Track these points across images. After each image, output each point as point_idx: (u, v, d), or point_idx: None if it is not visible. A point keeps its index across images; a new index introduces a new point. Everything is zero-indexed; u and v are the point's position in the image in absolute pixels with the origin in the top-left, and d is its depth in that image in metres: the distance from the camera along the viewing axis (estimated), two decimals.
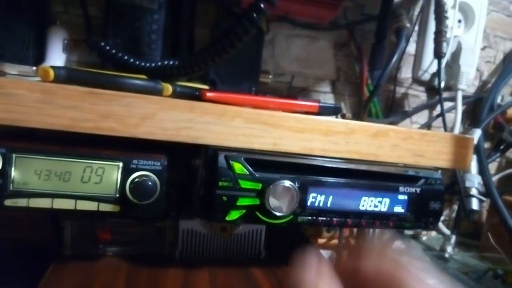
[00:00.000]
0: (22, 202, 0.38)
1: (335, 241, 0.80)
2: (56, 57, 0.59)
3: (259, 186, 0.40)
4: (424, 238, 0.82)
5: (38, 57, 0.58)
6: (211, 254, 0.52)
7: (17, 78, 0.46)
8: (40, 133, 0.40)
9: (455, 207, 0.86)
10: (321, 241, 0.80)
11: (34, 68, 0.47)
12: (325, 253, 0.79)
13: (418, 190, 0.45)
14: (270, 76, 0.70)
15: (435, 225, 0.47)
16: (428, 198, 0.46)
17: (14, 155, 0.37)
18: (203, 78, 0.63)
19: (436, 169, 0.48)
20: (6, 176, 0.37)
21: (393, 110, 0.81)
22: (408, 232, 0.81)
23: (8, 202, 0.38)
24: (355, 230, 0.81)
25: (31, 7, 0.57)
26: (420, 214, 0.46)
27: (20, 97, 0.35)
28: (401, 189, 0.45)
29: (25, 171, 0.38)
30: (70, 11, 0.63)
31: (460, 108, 0.76)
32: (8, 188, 0.37)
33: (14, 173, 0.37)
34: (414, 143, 0.45)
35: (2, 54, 0.52)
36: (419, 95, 0.83)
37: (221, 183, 0.39)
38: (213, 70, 0.62)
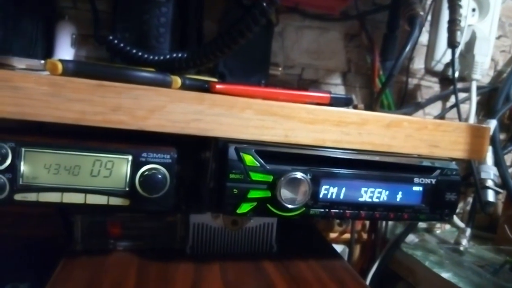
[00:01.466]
0: (31, 197, 0.38)
1: (347, 235, 0.79)
2: (65, 52, 0.59)
3: (270, 178, 0.39)
4: (438, 231, 0.81)
5: (47, 52, 0.57)
6: (222, 248, 0.52)
7: (26, 71, 0.46)
8: (49, 127, 0.40)
9: (470, 199, 0.84)
10: (332, 235, 0.79)
11: (42, 61, 0.47)
12: (338, 247, 0.78)
13: (433, 181, 0.44)
14: (280, 69, 0.69)
15: (450, 217, 0.46)
16: (444, 189, 0.45)
17: (23, 149, 0.37)
18: (212, 71, 0.62)
19: (452, 159, 0.47)
20: (15, 171, 0.37)
21: (406, 102, 0.80)
22: (422, 225, 0.80)
23: (18, 197, 0.37)
24: (367, 223, 0.80)
25: (39, 2, 0.57)
26: (436, 206, 0.45)
27: (28, 91, 0.35)
28: (416, 180, 0.44)
29: (34, 165, 0.37)
30: (78, 6, 0.63)
31: (474, 98, 0.74)
32: (18, 183, 0.37)
33: (23, 167, 0.37)
34: (429, 134, 0.44)
35: (11, 48, 0.52)
36: (432, 86, 0.82)
37: (231, 176, 0.39)
38: (222, 62, 0.61)
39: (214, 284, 0.44)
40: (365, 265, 0.80)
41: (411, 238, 0.74)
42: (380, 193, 0.43)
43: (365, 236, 0.80)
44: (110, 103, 0.36)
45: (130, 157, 0.40)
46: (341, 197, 0.42)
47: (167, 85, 0.42)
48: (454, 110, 0.77)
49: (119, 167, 0.39)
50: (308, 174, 0.40)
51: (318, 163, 0.41)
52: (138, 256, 0.49)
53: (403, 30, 0.69)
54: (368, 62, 0.74)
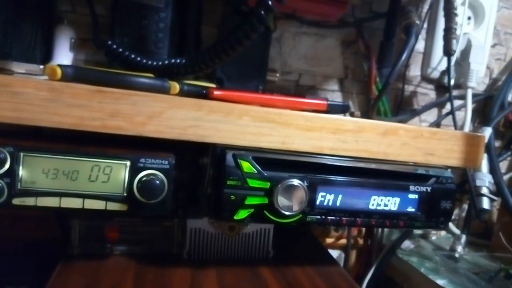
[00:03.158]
0: (30, 201, 0.38)
1: (343, 241, 0.80)
2: (63, 56, 0.59)
3: (267, 185, 0.40)
4: (433, 237, 0.81)
5: (45, 56, 0.57)
6: (219, 253, 0.52)
7: (25, 76, 0.46)
8: (48, 132, 0.40)
9: (465, 206, 0.85)
10: (329, 240, 0.80)
11: (42, 66, 0.47)
12: (334, 253, 0.78)
13: (429, 189, 0.45)
14: (277, 75, 0.70)
15: (446, 225, 0.46)
16: (439, 197, 0.45)
17: (21, 154, 0.37)
18: (210, 77, 0.62)
19: (447, 167, 0.48)
20: (14, 175, 0.37)
21: (402, 109, 0.80)
22: (418, 231, 0.80)
23: (16, 201, 0.37)
24: (363, 229, 0.80)
25: (38, 6, 0.57)
26: (431, 214, 0.45)
27: (27, 96, 0.35)
28: (412, 188, 0.44)
29: (32, 170, 0.38)
30: (77, 10, 0.63)
31: (470, 106, 0.74)
32: (16, 187, 0.37)
33: (22, 172, 0.37)
34: (425, 142, 0.45)
35: (10, 53, 0.52)
36: (428, 93, 0.82)
37: (229, 182, 0.39)
38: (220, 68, 0.62)
39: None
40: (361, 270, 0.80)
41: (407, 244, 0.75)
42: (376, 200, 0.43)
43: (361, 241, 0.81)
44: (109, 108, 0.37)
45: (128, 163, 0.40)
46: (338, 204, 0.42)
47: (166, 91, 0.42)
48: (450, 117, 0.78)
49: (117, 173, 0.40)
50: (305, 181, 0.41)
51: (315, 170, 0.42)
52: (135, 260, 0.49)
53: (399, 38, 0.70)
54: (365, 69, 0.75)
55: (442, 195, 0.45)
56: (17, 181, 0.37)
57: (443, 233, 0.84)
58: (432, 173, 0.45)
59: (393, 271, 0.72)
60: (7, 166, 0.37)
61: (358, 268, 0.81)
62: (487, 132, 0.71)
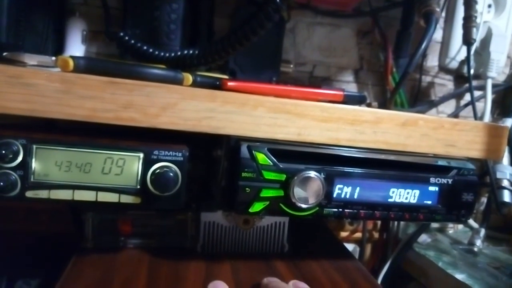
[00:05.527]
0: (43, 194, 0.37)
1: (358, 234, 0.79)
2: (75, 48, 0.58)
3: (283, 177, 0.39)
4: (450, 231, 0.80)
5: (57, 49, 0.57)
6: (233, 247, 0.51)
7: (37, 68, 0.46)
8: (60, 124, 0.40)
9: (484, 199, 0.83)
10: (343, 234, 0.79)
11: (53, 58, 0.46)
12: (349, 246, 0.77)
13: (450, 181, 0.43)
14: (291, 66, 0.69)
15: (467, 218, 0.45)
16: (461, 189, 0.44)
17: (34, 146, 0.37)
18: (222, 68, 0.62)
19: (468, 159, 0.46)
20: (27, 168, 0.37)
21: (419, 100, 0.78)
22: (435, 225, 0.79)
23: (30, 194, 0.37)
24: (379, 222, 0.79)
25: None
26: (452, 206, 0.44)
27: (39, 87, 0.34)
28: (432, 180, 0.43)
29: (45, 163, 0.37)
30: (89, 2, 0.62)
31: (489, 97, 0.72)
32: (29, 180, 0.37)
33: (34, 164, 0.37)
34: (445, 133, 0.43)
35: (22, 45, 0.52)
36: (445, 84, 0.80)
37: (244, 174, 0.38)
38: (233, 59, 0.61)
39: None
40: (376, 264, 0.79)
41: (423, 238, 0.73)
42: (395, 193, 0.42)
43: (376, 235, 0.80)
44: (121, 100, 0.36)
45: (141, 155, 0.39)
46: (355, 196, 0.41)
47: (179, 82, 0.42)
48: (468, 108, 0.76)
49: (131, 165, 0.39)
50: (322, 173, 0.40)
51: (332, 162, 0.41)
52: (149, 254, 0.48)
53: (417, 27, 0.68)
54: (381, 59, 0.73)
55: (463, 188, 0.44)
56: (30, 173, 0.37)
57: (460, 226, 0.82)
58: (453, 165, 0.44)
59: (410, 266, 0.71)
60: (20, 158, 0.36)
61: (373, 262, 0.79)
62: (508, 123, 0.70)
